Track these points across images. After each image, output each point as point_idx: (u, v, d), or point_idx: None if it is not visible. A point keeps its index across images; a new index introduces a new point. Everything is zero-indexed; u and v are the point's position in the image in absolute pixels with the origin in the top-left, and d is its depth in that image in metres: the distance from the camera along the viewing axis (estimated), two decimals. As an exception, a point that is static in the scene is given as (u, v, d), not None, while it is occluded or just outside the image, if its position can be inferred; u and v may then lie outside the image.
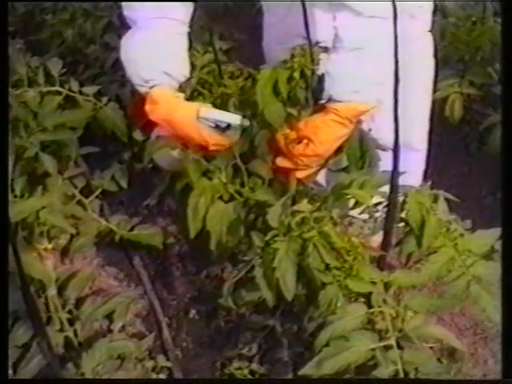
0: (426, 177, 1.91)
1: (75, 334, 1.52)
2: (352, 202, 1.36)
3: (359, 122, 1.51)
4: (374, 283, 1.28)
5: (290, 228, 1.30)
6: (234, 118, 1.50)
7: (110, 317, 1.60)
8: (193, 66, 1.61)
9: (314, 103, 1.47)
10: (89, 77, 2.15)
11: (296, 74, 1.44)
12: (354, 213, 1.37)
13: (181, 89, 1.57)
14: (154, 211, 1.93)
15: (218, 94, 1.61)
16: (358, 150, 1.54)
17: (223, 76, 1.63)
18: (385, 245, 1.32)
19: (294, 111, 1.48)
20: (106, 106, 1.81)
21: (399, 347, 1.21)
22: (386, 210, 1.29)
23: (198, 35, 1.72)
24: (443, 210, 1.36)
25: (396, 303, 1.26)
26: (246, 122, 1.50)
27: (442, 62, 2.00)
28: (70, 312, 1.56)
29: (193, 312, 1.76)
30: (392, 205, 1.27)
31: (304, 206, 1.34)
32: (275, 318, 1.59)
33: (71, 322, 1.55)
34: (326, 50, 1.44)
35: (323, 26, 1.42)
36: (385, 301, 1.26)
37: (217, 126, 1.49)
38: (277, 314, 1.58)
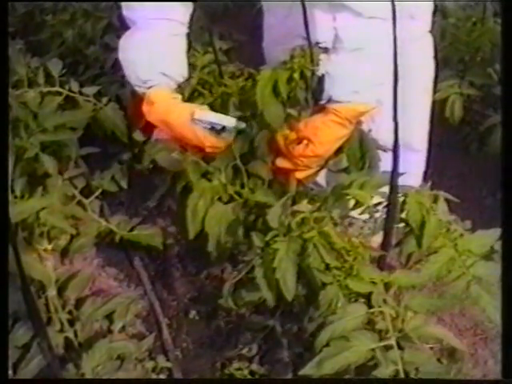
0: (426, 177, 1.92)
1: (75, 335, 1.52)
2: (352, 203, 1.36)
3: (359, 122, 1.51)
4: (374, 283, 1.28)
5: (290, 228, 1.30)
6: (228, 121, 1.50)
7: (110, 317, 1.59)
8: (193, 67, 1.61)
9: (314, 104, 1.47)
10: (89, 77, 2.14)
11: (296, 75, 1.44)
12: (354, 213, 1.37)
13: (179, 89, 1.57)
14: (154, 212, 1.93)
15: (218, 94, 1.61)
16: (358, 150, 1.54)
17: (223, 76, 1.63)
18: (385, 245, 1.32)
19: (293, 112, 1.48)
20: (106, 107, 1.80)
21: (399, 347, 1.21)
22: (386, 210, 1.29)
23: (198, 35, 1.72)
24: (443, 210, 1.36)
25: (396, 303, 1.26)
26: (242, 125, 1.50)
27: (442, 63, 2.01)
28: (70, 312, 1.56)
29: (193, 312, 1.76)
30: (392, 205, 1.27)
31: (304, 206, 1.34)
32: (275, 319, 1.59)
33: (71, 323, 1.54)
34: (325, 50, 1.44)
35: (323, 26, 1.42)
36: (385, 301, 1.26)
37: (212, 128, 1.49)
38: (277, 314, 1.58)
